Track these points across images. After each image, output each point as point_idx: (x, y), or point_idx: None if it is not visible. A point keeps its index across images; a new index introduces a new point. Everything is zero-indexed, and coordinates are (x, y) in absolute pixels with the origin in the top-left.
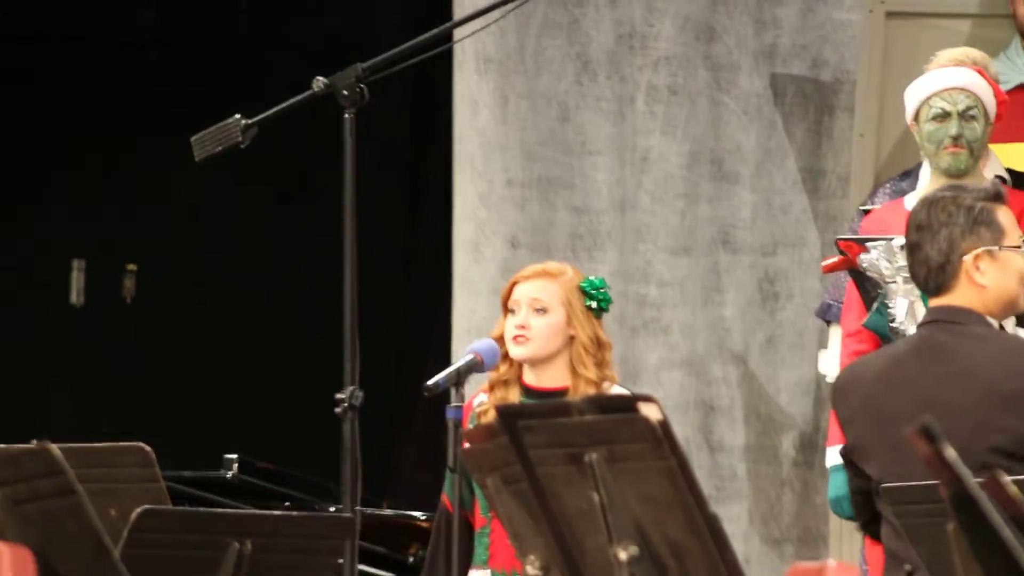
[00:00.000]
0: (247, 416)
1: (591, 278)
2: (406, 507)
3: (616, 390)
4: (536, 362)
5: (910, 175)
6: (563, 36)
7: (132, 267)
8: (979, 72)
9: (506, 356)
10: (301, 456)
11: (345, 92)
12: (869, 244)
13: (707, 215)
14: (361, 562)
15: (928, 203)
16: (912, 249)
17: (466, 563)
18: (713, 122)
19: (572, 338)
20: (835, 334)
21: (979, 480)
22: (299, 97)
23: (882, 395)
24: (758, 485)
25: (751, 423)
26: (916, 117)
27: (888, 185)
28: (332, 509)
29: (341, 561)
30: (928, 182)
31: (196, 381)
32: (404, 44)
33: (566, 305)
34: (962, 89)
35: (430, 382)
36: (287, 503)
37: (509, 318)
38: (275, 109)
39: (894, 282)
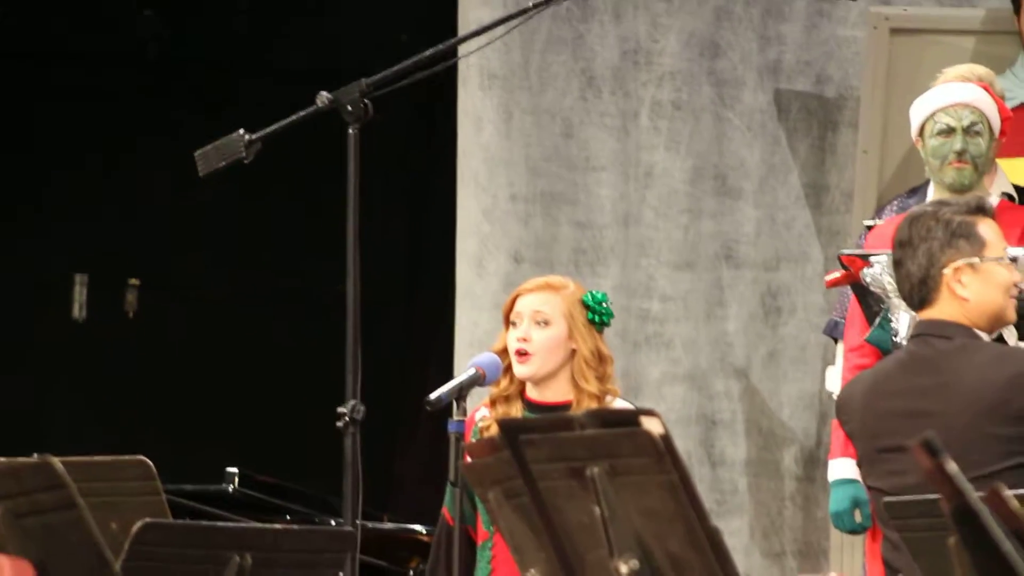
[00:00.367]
0: (248, 429)
1: (593, 292)
2: (407, 521)
3: (618, 404)
4: (539, 379)
5: (917, 192)
6: (567, 52)
7: (135, 281)
8: (984, 88)
9: (508, 369)
10: (302, 469)
11: (349, 107)
12: (872, 259)
13: (710, 230)
14: None
15: (910, 219)
16: (896, 265)
17: None
18: (717, 137)
19: (574, 352)
20: (842, 351)
21: (980, 494)
22: (303, 112)
23: (872, 410)
24: (759, 499)
25: (753, 437)
26: (921, 132)
27: (896, 202)
28: (333, 523)
29: (342, 574)
30: (932, 198)
31: (198, 395)
32: (409, 60)
33: (568, 318)
34: (967, 105)
35: (432, 396)
36: (288, 517)
37: (511, 331)
38: (279, 124)
39: (897, 297)
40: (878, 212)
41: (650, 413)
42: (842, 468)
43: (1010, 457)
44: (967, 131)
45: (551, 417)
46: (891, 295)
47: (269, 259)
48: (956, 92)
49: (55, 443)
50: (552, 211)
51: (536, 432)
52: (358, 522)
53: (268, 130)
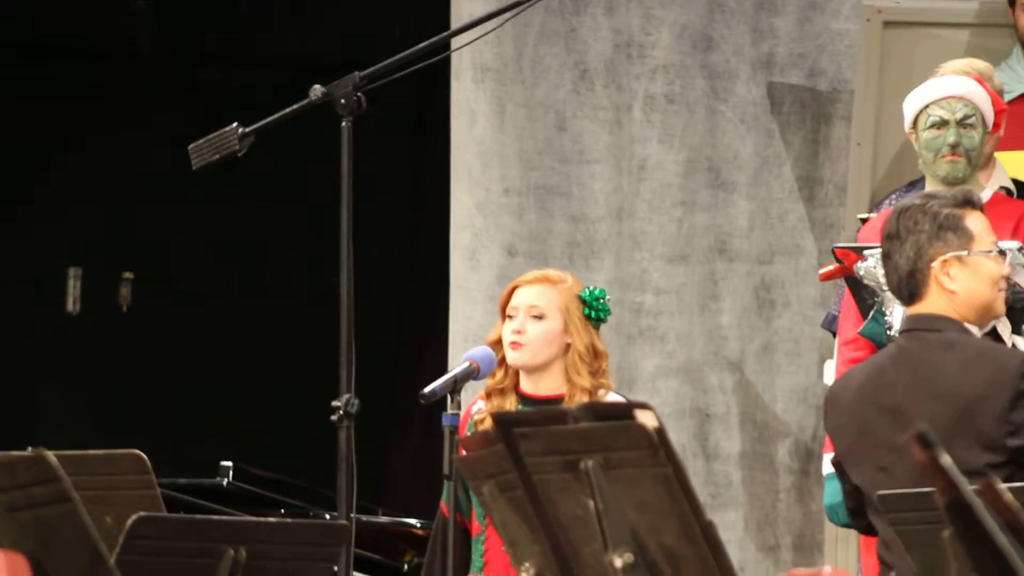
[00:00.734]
0: (243, 423)
1: (591, 288)
2: (401, 514)
3: (612, 397)
4: (532, 369)
5: (916, 185)
6: (561, 45)
7: (128, 275)
8: (978, 81)
9: (502, 362)
10: (297, 463)
11: (343, 100)
12: (866, 252)
13: (704, 223)
14: (356, 569)
15: (897, 212)
16: (884, 259)
17: (463, 570)
18: (710, 131)
19: (568, 346)
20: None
21: (975, 487)
22: (297, 106)
23: (863, 406)
24: (754, 492)
25: (747, 430)
26: (914, 125)
27: (894, 195)
28: (327, 516)
29: (336, 568)
30: (927, 190)
31: (192, 388)
32: (402, 53)
33: (564, 312)
34: (960, 98)
35: (426, 389)
36: (282, 510)
37: (507, 323)
38: (273, 117)
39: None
40: (876, 205)
41: (644, 406)
42: None
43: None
44: (960, 124)
45: (545, 410)
46: (885, 288)
47: (263, 252)
48: (949, 85)
49: (49, 436)
50: (546, 204)
51: (530, 425)
52: (352, 516)
53: (262, 123)
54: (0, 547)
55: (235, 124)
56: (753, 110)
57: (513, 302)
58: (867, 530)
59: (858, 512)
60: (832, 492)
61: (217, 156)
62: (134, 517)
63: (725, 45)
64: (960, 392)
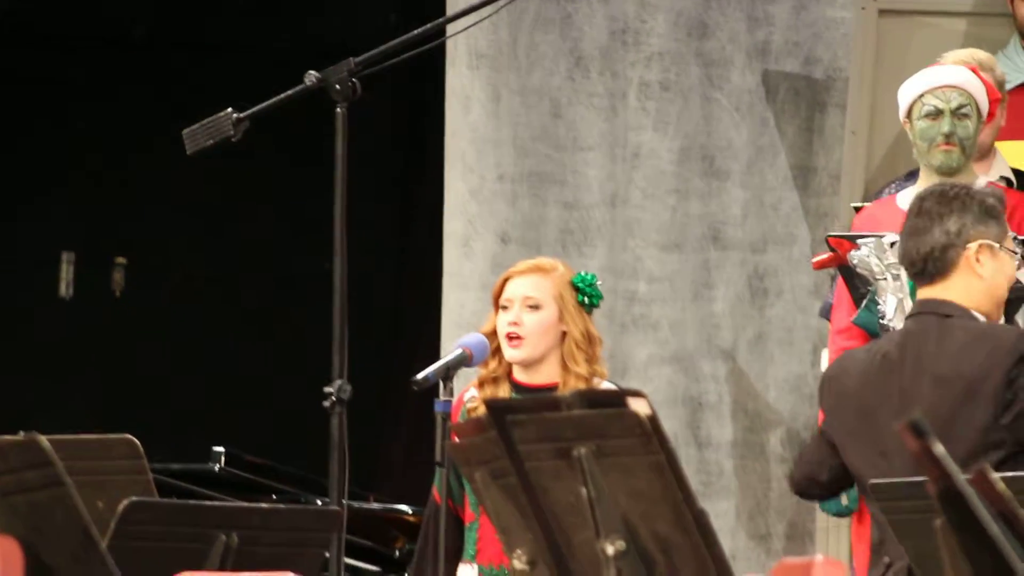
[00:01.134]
0: (235, 409)
1: (583, 273)
2: (393, 501)
3: (605, 385)
4: (530, 362)
5: (914, 176)
6: (556, 32)
7: (121, 260)
8: (973, 70)
9: (496, 352)
10: (289, 449)
11: (337, 86)
12: (860, 241)
13: (698, 211)
14: (348, 555)
15: (939, 191)
16: (914, 232)
17: (455, 557)
18: (705, 118)
19: (564, 334)
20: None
21: (967, 476)
22: (291, 91)
23: (866, 390)
24: (745, 481)
25: (739, 419)
26: (909, 115)
27: (893, 185)
28: (319, 502)
29: (328, 554)
30: (919, 180)
31: (184, 374)
32: (397, 39)
33: (558, 301)
34: (955, 87)
35: (419, 376)
36: (274, 496)
37: (501, 314)
38: (267, 103)
39: (884, 279)
40: (876, 194)
41: (637, 394)
42: None
43: (994, 448)
44: (955, 113)
45: (538, 398)
46: (878, 277)
47: (256, 238)
48: (944, 74)
49: (41, 421)
50: (540, 191)
51: (523, 413)
52: (344, 502)
53: (256, 108)
54: None
55: (229, 109)
56: (748, 98)
57: (507, 293)
58: (807, 495)
59: (824, 484)
60: None
61: (211, 141)
62: (126, 502)
63: (720, 33)
64: (961, 373)
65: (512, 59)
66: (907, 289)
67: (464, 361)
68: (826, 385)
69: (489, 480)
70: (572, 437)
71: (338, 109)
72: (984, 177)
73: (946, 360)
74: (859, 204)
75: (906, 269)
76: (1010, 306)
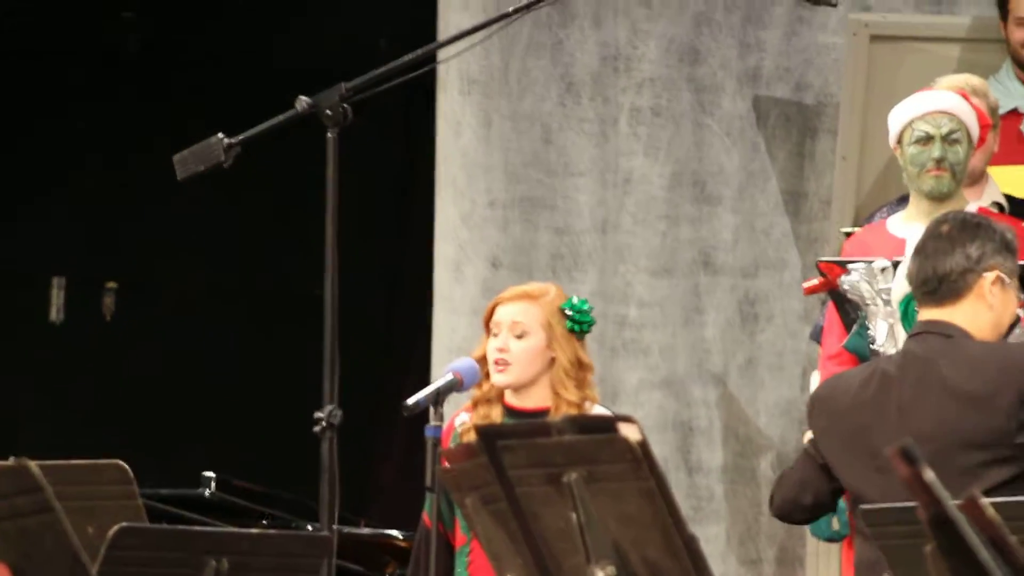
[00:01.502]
0: (226, 434)
1: (574, 299)
2: (384, 526)
3: (597, 410)
4: (517, 387)
5: (906, 200)
6: (547, 57)
7: (112, 284)
8: (963, 95)
9: (488, 375)
10: (279, 474)
11: (328, 112)
12: (850, 266)
13: (689, 236)
14: None
15: (960, 217)
16: (933, 252)
17: None
18: (696, 144)
19: (553, 360)
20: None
21: (957, 502)
22: (282, 116)
23: (863, 408)
24: (736, 506)
25: (729, 444)
26: (899, 140)
27: (884, 209)
28: (310, 527)
29: None
30: (910, 205)
31: (175, 398)
32: (388, 64)
33: (547, 328)
34: (945, 112)
35: (409, 401)
36: (265, 521)
37: (491, 340)
38: (258, 128)
39: (875, 304)
40: (867, 219)
41: (628, 419)
42: None
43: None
44: (945, 139)
45: (529, 423)
46: (868, 303)
47: (247, 263)
48: (934, 100)
49: (31, 446)
50: (531, 217)
51: (514, 438)
52: (335, 527)
53: (247, 134)
54: None
55: (220, 135)
56: (739, 123)
57: (495, 318)
58: (798, 523)
59: (806, 508)
60: None
61: (202, 167)
62: (116, 527)
63: (712, 58)
64: (968, 390)
65: (503, 84)
66: (898, 315)
67: (455, 386)
68: (816, 406)
69: (480, 505)
70: (562, 463)
71: (329, 134)
72: (976, 203)
73: (955, 374)
74: (849, 229)
75: (915, 288)
76: None
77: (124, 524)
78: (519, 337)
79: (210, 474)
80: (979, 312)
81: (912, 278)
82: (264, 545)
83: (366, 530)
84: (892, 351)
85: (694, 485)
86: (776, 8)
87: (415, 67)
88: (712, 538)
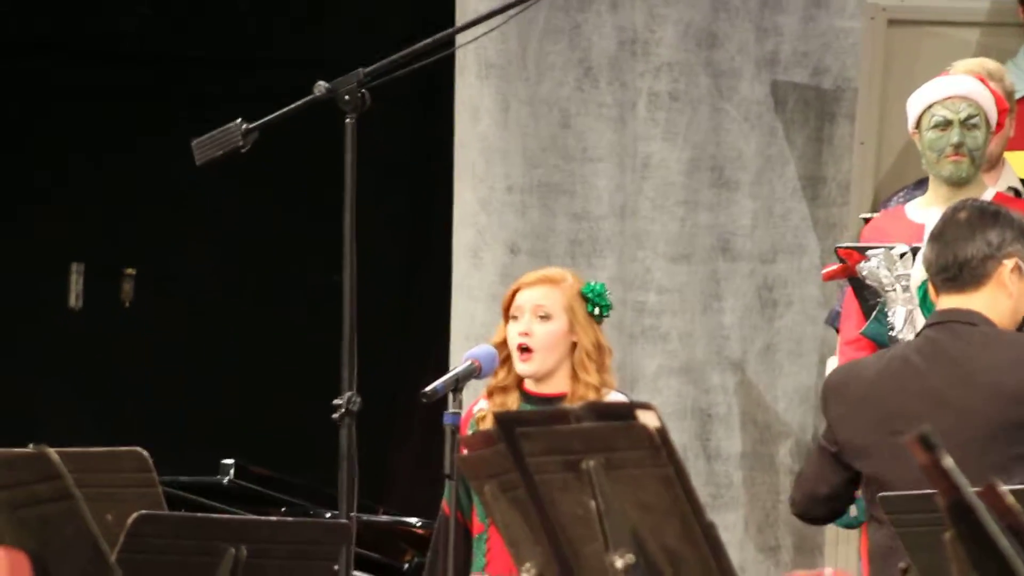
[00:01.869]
0: (244, 421)
1: (592, 283)
2: (402, 513)
3: (614, 396)
4: (540, 376)
5: (923, 185)
6: (565, 42)
7: (131, 271)
8: (981, 80)
9: (505, 361)
10: (298, 461)
11: (347, 97)
12: (869, 252)
13: (707, 222)
14: (357, 568)
15: (978, 205)
16: (952, 239)
17: (465, 570)
18: (714, 129)
19: (574, 344)
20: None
21: (976, 489)
22: (300, 102)
23: (886, 394)
24: (754, 493)
25: (748, 431)
26: (918, 125)
27: (902, 193)
28: (328, 515)
29: (337, 567)
30: (929, 191)
31: (194, 386)
32: (406, 49)
33: (568, 311)
34: (964, 97)
35: (428, 388)
36: (283, 508)
37: (511, 324)
38: (276, 114)
39: (893, 290)
40: (883, 203)
41: (646, 406)
42: None
43: None
44: (964, 124)
45: (547, 410)
46: (887, 289)
47: (265, 249)
48: (953, 85)
49: (51, 433)
50: (549, 202)
51: (532, 425)
52: (353, 514)
53: (265, 119)
54: (1, 544)
55: (239, 120)
56: (757, 108)
57: (517, 303)
58: (819, 520)
59: (825, 501)
60: None
61: (220, 152)
62: (135, 515)
63: (729, 43)
64: (1002, 382)
65: (521, 69)
66: (916, 301)
67: (473, 373)
68: (831, 394)
69: (498, 493)
70: (581, 449)
71: (347, 120)
72: (992, 188)
73: (984, 368)
74: (868, 215)
75: (934, 275)
76: None
77: (143, 512)
78: (542, 320)
79: (229, 461)
80: (998, 299)
81: (930, 264)
82: (283, 532)
83: (384, 517)
84: (911, 337)
85: (712, 472)
86: None
87: (433, 52)
88: (730, 525)
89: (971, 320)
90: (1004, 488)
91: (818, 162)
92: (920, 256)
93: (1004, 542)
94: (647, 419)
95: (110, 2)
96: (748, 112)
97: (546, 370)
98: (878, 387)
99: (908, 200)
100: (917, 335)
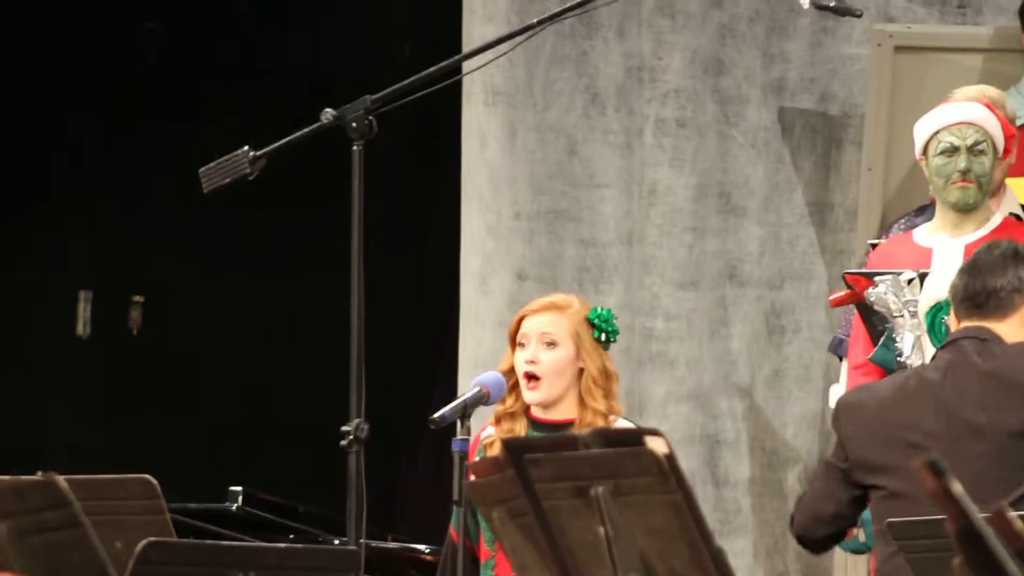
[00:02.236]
0: (253, 448)
1: (598, 309)
2: (411, 540)
3: (621, 423)
4: (548, 404)
5: (926, 211)
6: (572, 69)
7: (139, 298)
8: (988, 107)
9: (513, 388)
10: (306, 488)
11: (354, 124)
12: (877, 278)
13: (714, 248)
14: None
15: (1016, 246)
16: (985, 268)
17: None
18: (721, 155)
19: (581, 370)
20: (847, 369)
21: (985, 515)
22: (307, 129)
23: (900, 410)
24: (763, 519)
25: (756, 457)
26: (925, 151)
27: (903, 220)
28: (337, 542)
29: None
30: (936, 216)
31: (201, 412)
32: (413, 76)
33: (575, 338)
34: (971, 124)
35: (436, 415)
36: (292, 535)
37: (518, 352)
38: (283, 141)
39: (901, 316)
40: (885, 230)
41: (654, 433)
42: None
43: None
44: (971, 150)
45: (555, 436)
46: (895, 315)
47: (273, 277)
48: (960, 111)
49: (59, 461)
50: (556, 229)
51: (540, 451)
52: (362, 541)
53: (272, 147)
54: (10, 572)
55: (246, 147)
56: (764, 135)
57: (523, 330)
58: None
59: (831, 520)
60: None
61: (227, 180)
62: (144, 542)
63: (736, 70)
64: (1019, 383)
65: (528, 96)
66: (924, 327)
67: (481, 399)
68: (844, 412)
69: (507, 519)
70: (589, 476)
71: (355, 147)
72: (1000, 214)
73: (1003, 368)
74: (876, 240)
75: (960, 302)
76: None
77: (152, 539)
78: (549, 347)
79: (237, 488)
80: (1018, 333)
81: (956, 291)
82: (292, 559)
83: (393, 544)
84: (919, 363)
85: (721, 498)
86: (800, 19)
87: (440, 79)
88: (739, 551)
89: (985, 337)
90: (1013, 514)
91: (825, 188)
92: (928, 281)
93: (1013, 568)
94: (656, 445)
95: (114, 23)
96: (755, 138)
97: (554, 398)
98: (893, 404)
99: (909, 227)
100: (933, 357)
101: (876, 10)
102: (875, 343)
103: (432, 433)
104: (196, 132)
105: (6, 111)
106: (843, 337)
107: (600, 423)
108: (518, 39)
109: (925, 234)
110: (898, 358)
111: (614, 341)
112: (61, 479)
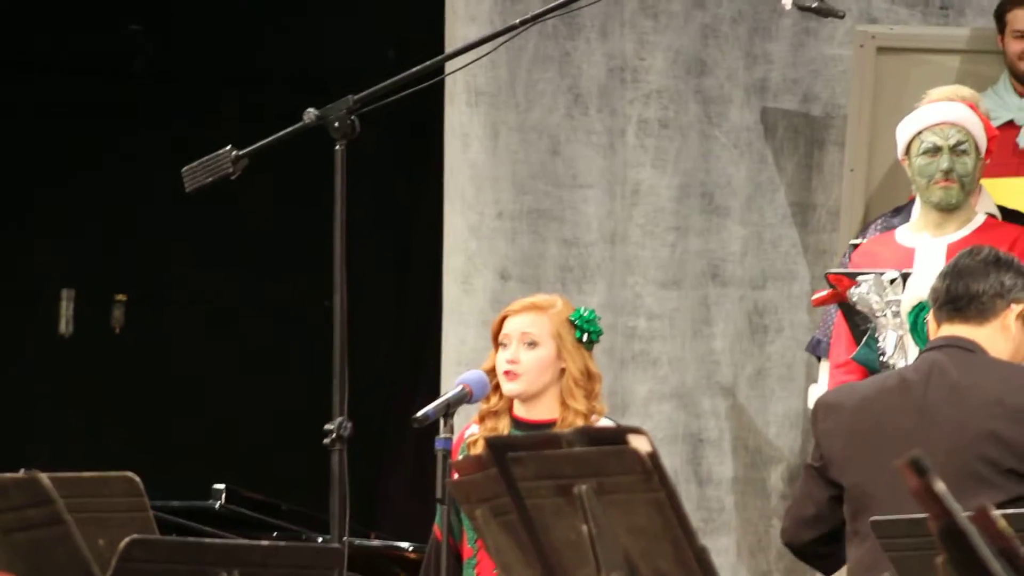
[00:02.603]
0: (236, 446)
1: (581, 309)
2: (394, 538)
3: (603, 422)
4: (527, 397)
5: (902, 211)
6: (554, 69)
7: (121, 297)
8: (970, 107)
9: (496, 388)
10: (289, 486)
11: (336, 124)
12: (859, 278)
13: (697, 248)
14: None
15: (998, 253)
16: (967, 271)
17: None
18: (704, 156)
19: (563, 371)
20: (825, 369)
21: (968, 514)
22: (290, 129)
23: (878, 408)
24: (746, 517)
25: (739, 455)
26: (907, 152)
27: (880, 220)
28: (320, 539)
29: None
30: (919, 217)
31: (185, 411)
32: (396, 76)
33: (556, 338)
34: (953, 124)
35: (419, 413)
36: (275, 533)
37: (500, 352)
38: (266, 141)
39: (883, 316)
40: (862, 231)
41: (637, 431)
42: None
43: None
44: (953, 150)
45: (539, 435)
46: (878, 314)
47: (256, 275)
48: (942, 111)
49: (42, 458)
50: (539, 228)
51: (524, 450)
52: (345, 539)
53: (255, 146)
54: None
55: (228, 147)
56: (746, 135)
57: (505, 330)
58: (804, 549)
59: (815, 522)
60: None
61: (210, 179)
62: (127, 539)
63: (719, 70)
64: (1003, 399)
65: (511, 96)
66: (907, 326)
67: (464, 398)
68: (823, 409)
69: (490, 517)
70: (573, 474)
71: (337, 147)
72: (982, 213)
73: (985, 382)
74: (858, 240)
75: (940, 305)
76: None
77: (135, 536)
78: (530, 347)
79: (220, 486)
80: (998, 339)
81: (938, 295)
82: (275, 557)
83: (376, 542)
84: (901, 363)
85: (704, 497)
86: (783, 20)
87: (423, 79)
88: (722, 550)
89: (971, 348)
90: (996, 512)
91: (808, 188)
92: (911, 281)
93: (996, 566)
94: (639, 444)
95: (100, 24)
96: (738, 139)
97: (532, 392)
98: (872, 402)
99: (886, 227)
100: (916, 358)
101: (858, 11)
102: (857, 342)
103: (415, 431)
104: (180, 131)
105: None
106: (820, 337)
107: (581, 423)
108: (501, 39)
109: (907, 234)
110: (880, 357)
111: (597, 342)
112: (44, 476)
